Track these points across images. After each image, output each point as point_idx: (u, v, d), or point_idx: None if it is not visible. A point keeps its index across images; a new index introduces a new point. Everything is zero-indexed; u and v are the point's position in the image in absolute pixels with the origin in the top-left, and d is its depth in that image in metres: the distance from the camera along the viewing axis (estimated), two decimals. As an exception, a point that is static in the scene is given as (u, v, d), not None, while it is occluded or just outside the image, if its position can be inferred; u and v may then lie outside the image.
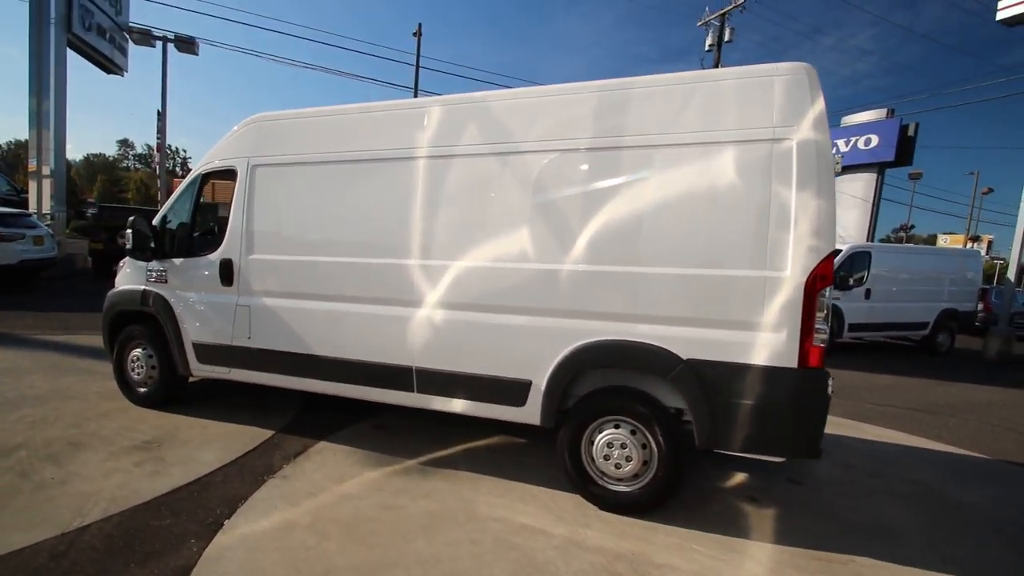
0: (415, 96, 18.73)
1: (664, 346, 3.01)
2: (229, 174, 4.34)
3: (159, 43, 16.96)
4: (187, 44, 16.99)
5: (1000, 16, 10.22)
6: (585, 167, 3.20)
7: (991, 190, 39.76)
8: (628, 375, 3.23)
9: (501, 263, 3.35)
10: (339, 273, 3.79)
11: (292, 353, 3.97)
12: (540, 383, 3.28)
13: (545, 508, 3.24)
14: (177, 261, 4.39)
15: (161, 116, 18.84)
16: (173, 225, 4.55)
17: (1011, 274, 11.95)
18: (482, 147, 3.44)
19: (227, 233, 4.19)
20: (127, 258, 4.74)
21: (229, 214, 4.20)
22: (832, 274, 2.81)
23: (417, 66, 18.82)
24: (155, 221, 4.50)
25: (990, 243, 44.06)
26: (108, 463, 3.50)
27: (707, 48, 23.18)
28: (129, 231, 4.29)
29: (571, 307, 3.19)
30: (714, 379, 2.92)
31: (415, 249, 3.58)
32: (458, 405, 3.54)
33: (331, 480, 3.46)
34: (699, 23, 22.70)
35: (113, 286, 4.88)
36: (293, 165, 3.99)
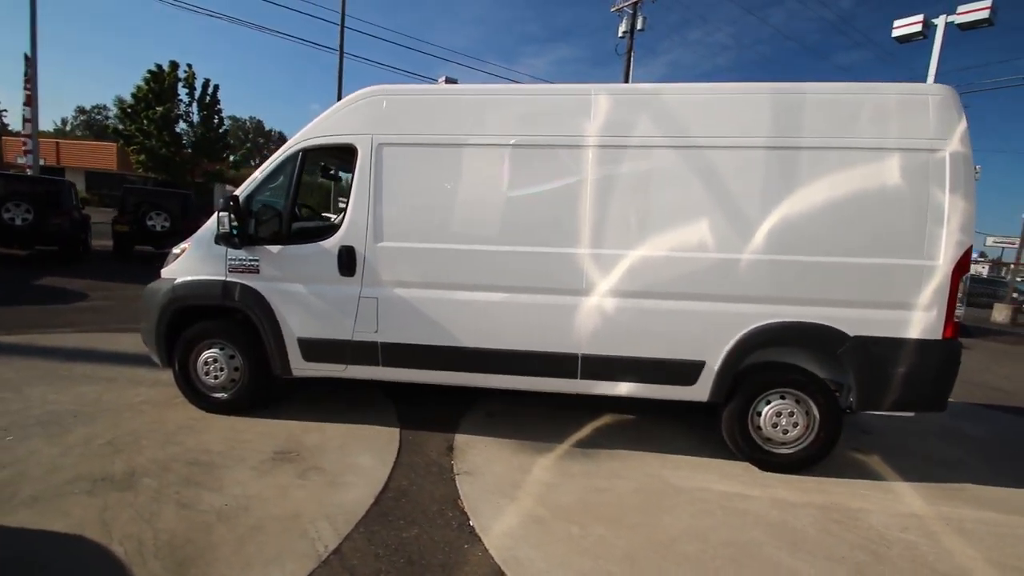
0: (340, 53, 17.24)
1: (834, 325, 3.45)
2: (341, 151, 3.90)
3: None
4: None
5: (895, 34, 12.30)
6: (762, 164, 3.47)
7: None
8: (793, 352, 3.64)
9: (679, 252, 3.52)
10: (496, 262, 3.67)
11: (433, 346, 3.77)
12: (714, 363, 3.56)
13: (725, 475, 3.57)
14: (274, 249, 3.86)
15: (30, 62, 15.08)
16: (259, 207, 3.96)
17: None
18: (658, 139, 3.53)
19: (347, 218, 3.79)
20: (189, 243, 4.04)
21: (348, 196, 3.79)
22: (969, 264, 3.44)
23: (342, 26, 17.21)
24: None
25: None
26: (267, 480, 3.11)
27: (620, 35, 24.15)
28: (224, 213, 3.66)
29: (748, 292, 3.49)
30: (876, 352, 3.43)
31: (586, 238, 3.59)
32: (624, 388, 3.69)
33: (516, 471, 3.45)
34: (612, 9, 23.57)
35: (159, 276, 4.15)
36: (434, 146, 3.71)
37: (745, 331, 3.51)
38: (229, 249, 3.87)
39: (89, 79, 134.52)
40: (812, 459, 3.64)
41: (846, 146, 3.40)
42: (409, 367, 3.87)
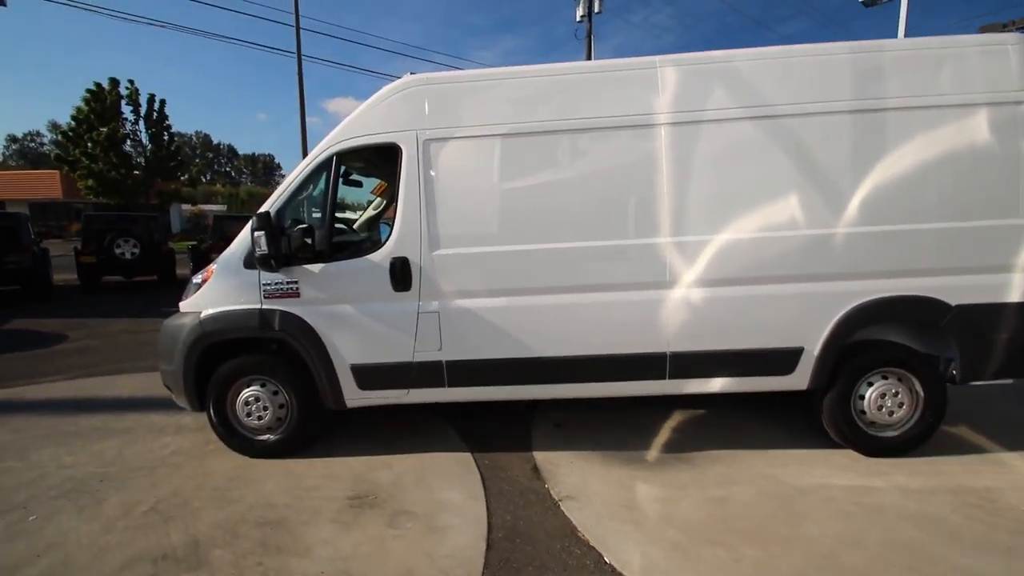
0: (299, 56, 16.42)
1: (936, 296, 3.25)
2: (380, 152, 3.49)
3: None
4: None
5: (862, -1, 12.46)
6: (847, 129, 3.23)
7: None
8: (893, 329, 3.44)
9: (768, 232, 3.26)
10: (569, 260, 3.33)
11: (505, 360, 3.42)
12: (813, 348, 3.32)
13: (836, 466, 3.35)
14: (314, 268, 3.42)
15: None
16: (289, 222, 3.51)
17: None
18: (735, 111, 3.25)
19: (396, 225, 3.38)
20: (212, 270, 3.56)
21: (396, 203, 3.39)
22: None
23: (297, 27, 16.36)
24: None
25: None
26: (355, 533, 2.71)
27: (578, 20, 23.90)
28: (259, 232, 3.19)
29: (844, 269, 3.26)
30: (979, 320, 3.26)
31: (666, 226, 3.29)
32: (717, 384, 3.42)
33: (619, 488, 3.14)
34: (571, -8, 23.28)
35: (177, 310, 3.66)
36: (487, 138, 3.34)
37: (844, 311, 3.28)
38: (263, 273, 3.41)
39: (16, 106, 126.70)
40: (918, 439, 3.45)
41: (932, 104, 3.20)
42: (480, 384, 3.51)
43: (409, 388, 3.52)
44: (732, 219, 3.27)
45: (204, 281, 3.57)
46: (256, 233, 3.20)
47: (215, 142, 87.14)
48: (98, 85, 24.54)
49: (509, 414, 4.22)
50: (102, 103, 24.41)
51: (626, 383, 3.46)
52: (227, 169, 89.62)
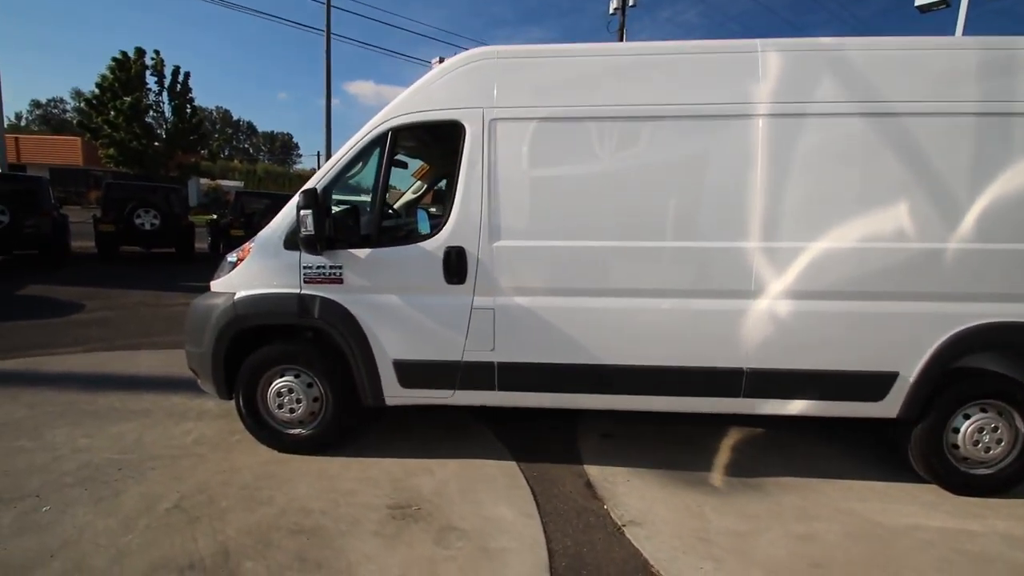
0: (328, 34, 16.09)
1: (1055, 324, 2.90)
2: (439, 131, 3.18)
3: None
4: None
5: (918, 3, 11.88)
6: (972, 133, 2.87)
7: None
8: (1000, 358, 3.09)
9: (871, 243, 2.91)
10: (643, 261, 3.02)
11: (564, 365, 3.12)
12: (909, 374, 2.98)
13: (923, 504, 3.02)
14: (361, 253, 3.13)
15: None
16: (332, 202, 3.22)
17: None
18: (844, 105, 2.90)
19: (453, 211, 3.08)
20: (249, 248, 3.28)
21: (454, 186, 3.08)
22: None
23: (328, 4, 16.05)
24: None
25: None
26: (401, 551, 2.43)
27: (611, 12, 23.32)
28: (305, 211, 2.90)
29: (954, 289, 2.91)
30: (1102, 350, 2.91)
31: (756, 229, 2.95)
32: (796, 407, 3.10)
33: (687, 515, 2.84)
34: (605, -18, 22.72)
35: (209, 289, 3.39)
36: (563, 121, 3.02)
37: (949, 335, 2.93)
38: (304, 255, 3.12)
39: (40, 73, 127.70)
40: (1015, 478, 3.11)
41: (1072, 110, 2.82)
42: (534, 390, 3.22)
43: (455, 389, 3.23)
44: (832, 225, 2.93)
45: (240, 260, 3.29)
46: (302, 211, 2.91)
47: (235, 118, 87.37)
48: (124, 54, 24.40)
49: (546, 421, 3.91)
50: (127, 72, 24.28)
51: (696, 399, 3.15)
52: (245, 146, 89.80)
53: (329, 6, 16.15)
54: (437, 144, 3.87)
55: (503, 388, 3.20)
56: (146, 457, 3.22)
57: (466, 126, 3.05)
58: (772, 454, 3.59)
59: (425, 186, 4.99)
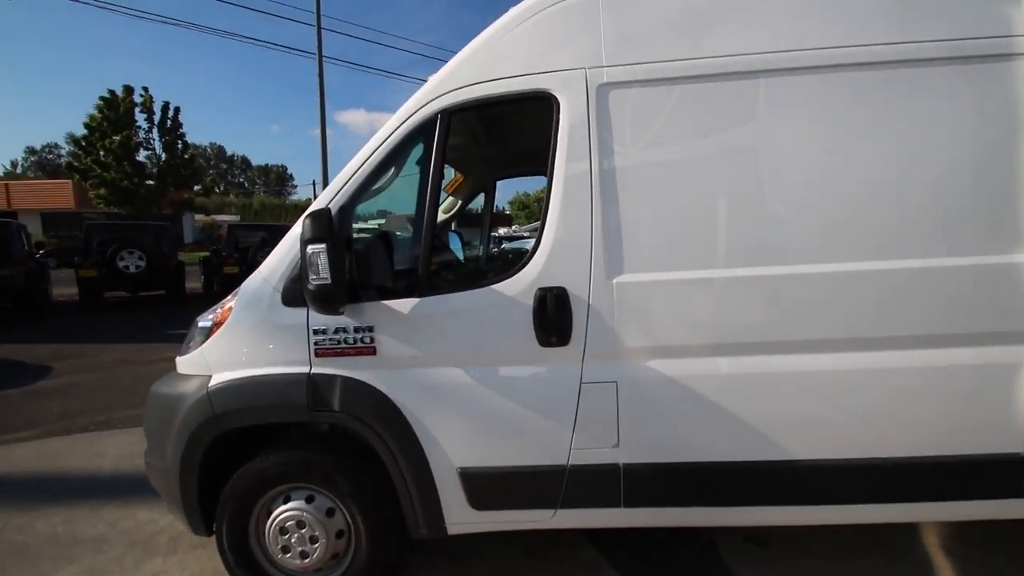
0: (319, 56, 15.22)
1: None
2: (517, 108, 2.09)
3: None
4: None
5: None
6: None
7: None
8: None
9: None
10: (867, 294, 1.89)
11: (740, 465, 1.97)
12: None
13: None
14: (401, 306, 2.00)
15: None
16: (353, 230, 2.11)
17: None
18: None
19: (546, 235, 1.96)
20: (228, 307, 2.16)
21: (549, 192, 1.97)
22: None
23: (319, 27, 15.24)
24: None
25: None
26: None
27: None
28: (315, 246, 1.77)
29: None
30: None
31: (1041, 233, 1.83)
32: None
33: None
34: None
35: (168, 374, 2.26)
36: (726, 77, 1.90)
37: None
38: (314, 314, 1.99)
39: (36, 120, 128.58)
40: None
41: None
42: (681, 504, 2.06)
43: (556, 508, 2.06)
44: None
45: (217, 324, 2.16)
46: (311, 248, 1.77)
47: (229, 153, 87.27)
48: (112, 92, 23.72)
49: (666, 539, 2.72)
50: (116, 110, 23.58)
51: (954, 504, 1.99)
52: (240, 180, 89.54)
53: (319, 15, 15.32)
54: (504, 131, 2.77)
55: (633, 503, 2.04)
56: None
57: (559, 99, 1.94)
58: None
59: (460, 202, 3.88)
